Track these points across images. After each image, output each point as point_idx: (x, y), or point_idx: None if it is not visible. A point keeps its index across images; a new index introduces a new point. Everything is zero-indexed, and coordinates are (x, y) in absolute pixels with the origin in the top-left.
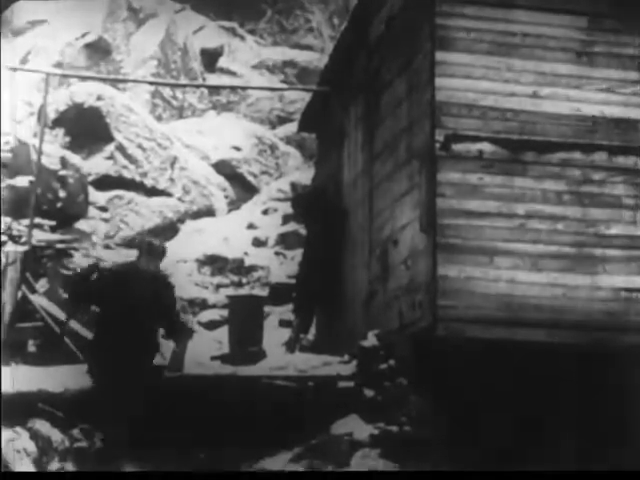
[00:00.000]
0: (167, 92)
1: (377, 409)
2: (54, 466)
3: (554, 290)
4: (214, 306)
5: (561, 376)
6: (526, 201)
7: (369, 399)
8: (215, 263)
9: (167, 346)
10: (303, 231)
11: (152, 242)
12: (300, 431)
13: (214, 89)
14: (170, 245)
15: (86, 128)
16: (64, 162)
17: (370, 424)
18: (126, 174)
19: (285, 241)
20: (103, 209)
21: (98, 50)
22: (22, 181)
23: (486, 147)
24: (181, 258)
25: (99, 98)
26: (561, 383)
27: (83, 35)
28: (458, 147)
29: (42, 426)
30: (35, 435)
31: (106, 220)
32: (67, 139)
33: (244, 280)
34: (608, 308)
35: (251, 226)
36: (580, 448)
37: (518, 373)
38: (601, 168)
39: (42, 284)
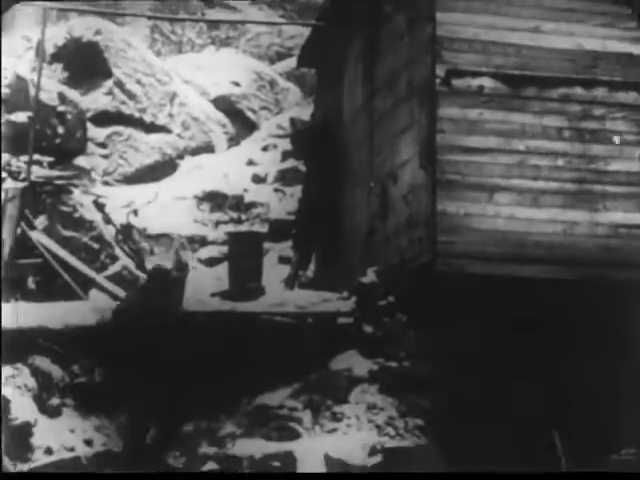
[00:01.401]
0: (166, 27)
1: (376, 345)
2: (55, 402)
3: (554, 226)
4: (213, 243)
5: (560, 311)
6: (526, 137)
7: (368, 335)
8: (214, 199)
9: None
10: (303, 168)
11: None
12: (299, 367)
13: (213, 24)
14: (169, 182)
15: (84, 63)
16: (62, 98)
17: (369, 360)
18: (125, 110)
19: (284, 178)
20: (102, 145)
21: None
22: (20, 117)
23: (487, 82)
24: (180, 195)
25: (97, 33)
26: (560, 318)
27: None
28: (458, 82)
29: (42, 362)
30: (35, 371)
31: (105, 156)
32: (65, 74)
33: (243, 217)
34: (607, 244)
35: (250, 162)
36: (580, 377)
37: (517, 308)
38: (602, 104)
39: (41, 221)
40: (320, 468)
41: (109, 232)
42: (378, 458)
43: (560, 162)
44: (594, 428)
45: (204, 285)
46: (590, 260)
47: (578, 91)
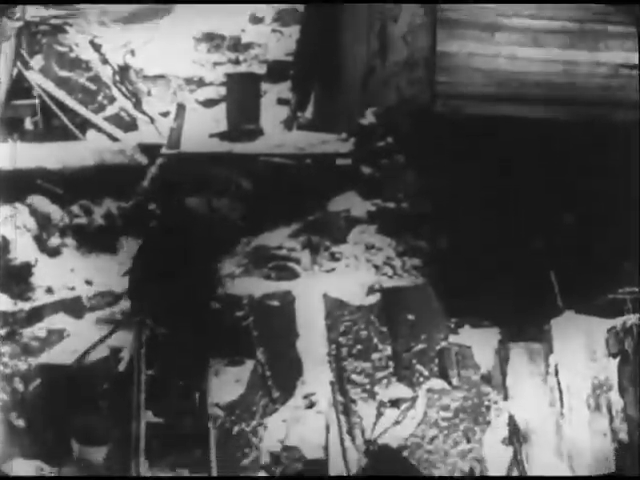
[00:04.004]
0: None
1: (374, 186)
2: (54, 242)
3: (554, 66)
4: (211, 84)
5: (560, 152)
6: None
7: (366, 176)
8: (212, 40)
9: (164, 124)
10: (300, 7)
11: None
12: (298, 208)
13: None
14: (165, 23)
15: None
16: None
17: (367, 201)
18: None
19: (282, 18)
20: None
21: None
22: None
23: None
24: (177, 36)
25: None
26: (560, 159)
27: None
28: None
29: (41, 202)
30: (34, 211)
31: None
32: None
33: (241, 57)
34: (608, 84)
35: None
36: (579, 220)
37: (517, 150)
38: None
39: (37, 61)
40: (318, 307)
41: (106, 73)
42: (376, 297)
43: None
44: (593, 269)
45: (202, 126)
46: (589, 100)
47: None
